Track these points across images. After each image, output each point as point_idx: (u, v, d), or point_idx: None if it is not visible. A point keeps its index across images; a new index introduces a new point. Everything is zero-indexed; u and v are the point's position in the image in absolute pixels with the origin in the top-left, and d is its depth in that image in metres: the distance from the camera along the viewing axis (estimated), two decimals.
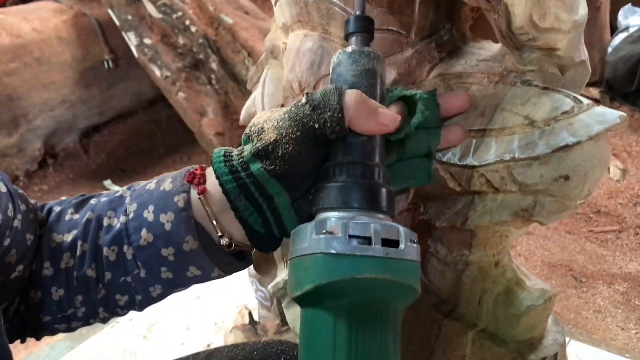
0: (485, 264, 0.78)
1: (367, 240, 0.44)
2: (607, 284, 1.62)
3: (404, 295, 0.46)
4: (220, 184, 0.52)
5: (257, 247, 0.57)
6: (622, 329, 1.46)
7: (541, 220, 0.70)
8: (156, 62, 2.20)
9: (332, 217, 0.45)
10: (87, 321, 0.62)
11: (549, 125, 0.65)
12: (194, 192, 0.55)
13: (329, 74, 0.67)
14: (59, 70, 2.17)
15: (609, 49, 2.69)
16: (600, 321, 1.49)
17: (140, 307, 0.62)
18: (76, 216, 0.59)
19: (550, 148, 0.64)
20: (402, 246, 0.45)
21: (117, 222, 0.57)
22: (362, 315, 0.44)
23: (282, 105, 0.78)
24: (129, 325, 1.53)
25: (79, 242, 0.57)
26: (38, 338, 0.63)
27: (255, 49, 2.15)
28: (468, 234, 0.77)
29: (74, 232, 0.58)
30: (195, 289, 1.67)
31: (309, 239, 0.45)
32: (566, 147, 0.64)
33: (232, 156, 0.53)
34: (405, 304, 0.48)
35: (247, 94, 2.21)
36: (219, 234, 0.55)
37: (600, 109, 0.64)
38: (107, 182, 2.28)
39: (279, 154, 0.50)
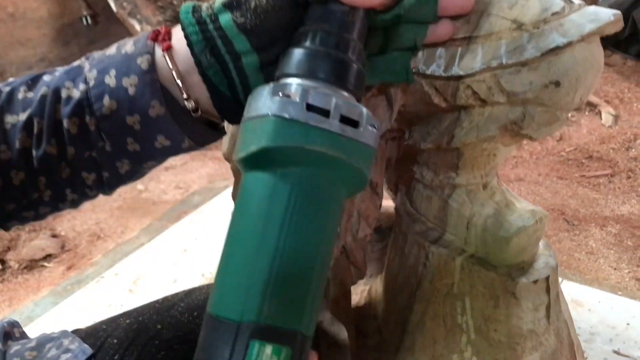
0: (473, 187, 0.75)
1: (325, 114, 0.41)
2: (599, 227, 1.60)
3: (352, 181, 0.43)
4: (185, 36, 0.48)
5: (222, 113, 0.53)
6: (615, 269, 1.44)
7: (531, 133, 0.66)
8: (135, 16, 2.13)
9: (293, 83, 0.42)
10: (55, 206, 0.58)
11: (538, 28, 0.61)
12: (158, 53, 0.51)
13: None
14: (36, 27, 2.10)
15: None
16: (592, 262, 1.47)
17: (110, 187, 0.58)
18: (30, 94, 0.54)
19: (540, 51, 0.61)
20: (361, 128, 0.42)
21: (77, 92, 0.52)
22: (304, 189, 0.41)
23: None
24: (114, 280, 1.50)
25: (36, 120, 0.53)
26: (7, 228, 0.59)
27: None
28: (454, 154, 0.73)
29: (29, 110, 0.53)
30: (182, 241, 1.64)
31: (263, 100, 0.41)
32: (557, 50, 0.60)
33: (201, 8, 0.49)
34: (351, 193, 0.45)
35: None
36: (185, 96, 0.51)
37: (593, 7, 0.61)
38: None
39: (252, 6, 0.46)
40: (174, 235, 1.70)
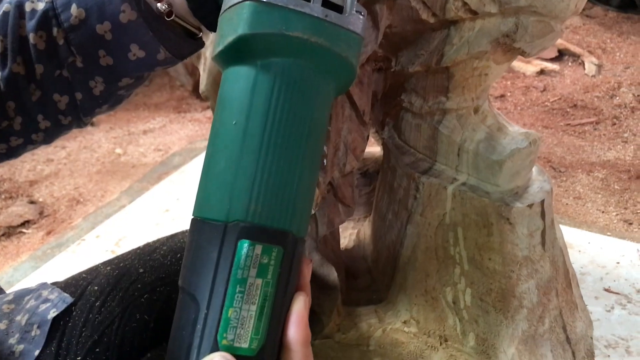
0: (464, 111, 0.72)
1: None
2: (586, 172, 1.59)
3: (339, 72, 0.40)
4: None
5: (199, 16, 0.50)
6: (603, 212, 1.43)
7: (524, 47, 0.63)
8: None
9: None
10: (28, 137, 0.54)
11: None
12: None
13: None
14: None
15: None
16: (580, 207, 1.46)
17: (85, 112, 0.55)
18: None
19: None
20: (346, 13, 0.39)
21: (42, 4, 0.48)
22: (287, 81, 0.38)
23: None
24: (96, 242, 1.46)
25: None
26: None
27: None
28: (444, 76, 0.70)
29: None
30: (164, 202, 1.60)
31: None
32: None
33: None
34: (339, 86, 0.42)
35: None
36: None
37: None
38: None
39: None
40: (155, 196, 1.66)
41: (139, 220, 1.54)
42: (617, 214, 1.43)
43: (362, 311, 0.86)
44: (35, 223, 1.68)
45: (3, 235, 1.64)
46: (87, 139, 2.02)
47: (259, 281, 0.37)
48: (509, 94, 2.01)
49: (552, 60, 2.15)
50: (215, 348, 0.36)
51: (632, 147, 1.70)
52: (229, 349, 0.36)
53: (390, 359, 0.81)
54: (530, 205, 0.70)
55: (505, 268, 0.73)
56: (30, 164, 1.89)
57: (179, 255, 0.76)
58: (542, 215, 0.72)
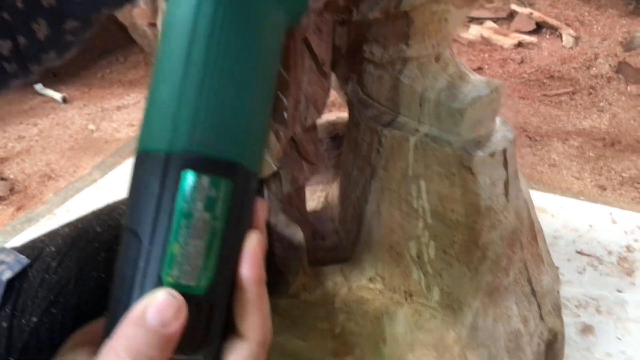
0: (425, 60, 0.71)
1: None
2: (561, 141, 1.58)
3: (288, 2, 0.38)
4: None
5: None
6: (577, 178, 1.43)
7: None
8: None
9: None
10: None
11: None
12: None
13: None
14: None
15: None
16: (555, 174, 1.45)
17: (30, 59, 0.52)
18: None
19: None
20: None
21: None
22: (231, 9, 0.36)
23: None
24: (66, 216, 1.44)
25: None
26: None
27: None
28: (404, 22, 0.68)
29: None
30: None
31: None
32: None
33: None
34: (291, 14, 0.40)
35: None
36: None
37: None
38: (39, 87, 2.12)
39: None
40: (127, 170, 1.63)
41: (110, 193, 1.52)
42: (591, 180, 1.43)
43: (328, 270, 0.85)
44: (5, 199, 1.65)
45: None
46: (59, 115, 1.98)
47: (207, 216, 0.35)
48: (486, 67, 2.00)
49: (529, 33, 2.14)
50: (159, 285, 0.34)
51: (607, 115, 1.70)
52: (175, 286, 0.34)
53: (356, 316, 0.80)
54: (492, 154, 0.69)
55: (468, 219, 0.71)
56: (1, 141, 1.86)
57: None
58: (505, 164, 0.71)
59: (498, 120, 0.76)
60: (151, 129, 0.37)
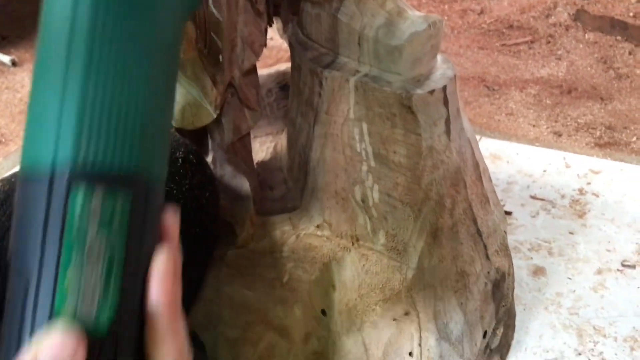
0: None
1: None
2: (519, 89, 1.58)
3: None
4: None
5: None
6: (534, 126, 1.43)
7: None
8: None
9: None
10: None
11: None
12: None
13: None
14: None
15: None
16: (512, 122, 1.45)
17: None
18: None
19: None
20: None
21: None
22: None
23: None
24: None
25: None
26: None
27: None
28: None
29: None
30: None
31: None
32: None
33: None
34: (184, 5, 0.37)
35: None
36: None
37: None
38: None
39: None
40: None
41: None
42: (547, 127, 1.43)
43: (276, 219, 0.84)
44: None
45: None
46: (9, 79, 1.91)
47: (103, 236, 0.31)
48: (446, 18, 1.98)
49: None
50: (53, 323, 0.30)
51: (565, 63, 1.70)
52: (72, 322, 0.30)
53: (304, 264, 0.79)
54: (432, 92, 0.68)
55: (410, 160, 0.70)
56: None
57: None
58: (445, 102, 0.69)
59: (439, 57, 0.74)
60: (33, 143, 0.32)
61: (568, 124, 1.44)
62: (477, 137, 1.30)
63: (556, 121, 1.45)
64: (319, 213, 0.81)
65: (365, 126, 0.72)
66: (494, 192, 0.84)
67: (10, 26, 2.25)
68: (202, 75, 0.72)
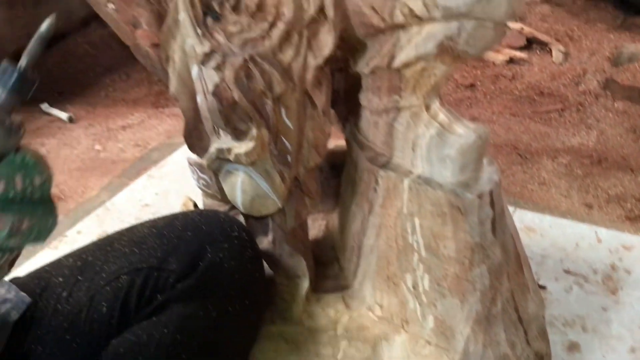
0: (416, 109, 0.78)
1: None
2: (550, 159, 1.65)
3: None
4: None
5: None
6: (565, 196, 1.50)
7: (467, 49, 0.68)
8: None
9: None
10: None
11: None
12: None
13: None
14: None
15: None
16: (544, 192, 1.52)
17: None
18: None
19: None
20: None
21: None
22: None
23: None
24: (77, 238, 1.50)
25: None
26: None
27: None
28: (397, 76, 0.75)
29: None
30: (143, 196, 1.64)
31: None
32: None
33: None
34: None
35: None
36: None
37: None
38: (44, 106, 2.18)
39: None
40: (134, 191, 1.69)
41: (119, 215, 1.58)
42: (578, 199, 1.49)
43: (329, 298, 0.92)
44: None
45: None
46: (66, 135, 2.04)
47: None
48: (478, 83, 2.06)
49: (521, 48, 2.20)
50: None
51: (595, 132, 1.77)
52: None
53: (356, 342, 0.87)
54: (480, 196, 0.76)
55: (459, 254, 0.78)
56: None
57: (139, 244, 0.80)
58: (492, 204, 0.77)
59: (485, 160, 0.82)
60: None
61: (599, 195, 1.50)
62: (511, 208, 1.37)
63: (587, 192, 1.51)
64: (370, 295, 0.88)
65: (417, 221, 0.80)
66: (534, 279, 0.90)
67: (66, 82, 2.40)
68: (272, 172, 0.81)
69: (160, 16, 2.33)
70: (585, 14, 2.45)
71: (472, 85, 2.06)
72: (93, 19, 2.47)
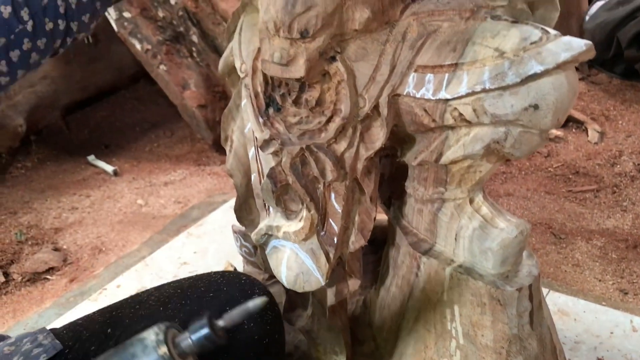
0: (461, 201, 0.81)
1: None
2: (585, 240, 1.66)
3: None
4: None
5: None
6: (600, 280, 1.50)
7: (512, 152, 0.72)
8: (136, 35, 2.19)
9: None
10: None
11: (517, 56, 0.67)
12: None
13: (303, 11, 0.69)
14: None
15: (587, 17, 2.72)
16: (578, 274, 1.52)
17: (72, 17, 0.72)
18: None
19: (520, 77, 0.66)
20: None
21: None
22: None
23: (259, 50, 0.79)
24: (116, 292, 1.55)
25: None
26: None
27: None
28: (443, 171, 0.79)
29: None
30: (182, 254, 1.69)
31: None
32: (535, 76, 0.66)
33: None
34: None
35: None
36: None
37: (567, 38, 0.66)
38: (91, 158, 2.28)
39: None
40: (173, 249, 1.74)
41: (157, 272, 1.62)
42: (613, 283, 1.49)
43: None
44: (59, 270, 1.76)
45: (28, 280, 1.73)
46: (110, 188, 2.12)
47: None
48: (514, 160, 2.09)
49: None
50: None
51: (630, 216, 1.77)
52: None
53: None
54: (520, 289, 0.78)
55: (496, 344, 0.80)
56: (56, 211, 2.00)
57: (165, 304, 0.85)
58: (530, 297, 0.79)
59: (525, 253, 0.85)
60: None
61: (634, 281, 1.50)
62: (545, 290, 1.38)
63: (622, 277, 1.51)
64: None
65: (457, 308, 0.82)
66: None
67: (113, 136, 2.51)
68: (318, 251, 0.84)
69: (208, 78, 2.44)
70: (621, 94, 2.48)
71: (507, 161, 2.08)
72: (142, 75, 2.59)
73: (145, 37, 2.20)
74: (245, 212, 1.02)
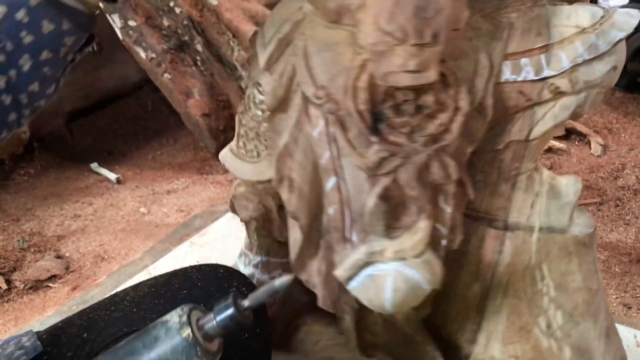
0: (531, 172, 0.84)
1: None
2: None
3: None
4: None
5: None
6: None
7: (585, 112, 0.80)
8: (141, 44, 2.17)
9: None
10: None
11: (596, 29, 0.76)
12: None
13: (434, 15, 0.69)
14: None
15: None
16: None
17: (18, 90, 0.63)
18: None
19: (610, 45, 0.76)
20: None
21: None
22: None
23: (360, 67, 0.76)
24: None
25: None
26: None
27: (240, 30, 2.11)
28: (523, 146, 0.82)
29: None
30: (184, 263, 1.56)
31: None
32: (618, 42, 0.76)
33: None
34: None
35: (232, 75, 2.19)
36: None
37: (623, 10, 0.77)
38: (94, 165, 2.23)
39: None
40: (176, 257, 1.69)
41: None
42: (616, 297, 1.48)
43: None
44: (61, 278, 1.70)
45: (30, 288, 1.66)
46: (113, 196, 2.07)
47: None
48: None
49: (559, 138, 2.24)
50: None
51: (633, 229, 1.77)
52: None
53: None
54: (594, 230, 0.86)
55: (585, 283, 0.85)
56: (59, 218, 1.94)
57: (138, 305, 0.82)
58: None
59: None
60: None
61: (637, 295, 1.49)
62: None
63: (625, 291, 1.50)
64: (500, 352, 0.89)
65: (544, 267, 0.86)
66: None
67: (116, 143, 2.46)
68: (432, 259, 0.79)
69: (212, 87, 2.42)
70: (624, 106, 2.49)
71: None
72: (146, 83, 2.57)
73: (150, 45, 2.18)
74: (308, 257, 0.89)
